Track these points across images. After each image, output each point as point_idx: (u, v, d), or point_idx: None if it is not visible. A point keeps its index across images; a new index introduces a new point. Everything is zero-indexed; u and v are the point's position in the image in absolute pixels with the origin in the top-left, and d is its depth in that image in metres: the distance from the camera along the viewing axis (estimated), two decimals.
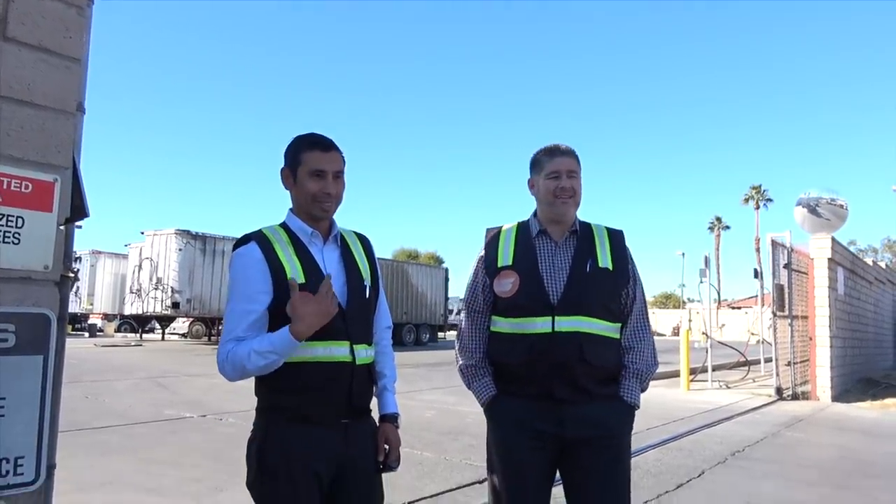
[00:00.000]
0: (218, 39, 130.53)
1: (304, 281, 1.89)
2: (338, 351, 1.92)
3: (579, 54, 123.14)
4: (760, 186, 64.16)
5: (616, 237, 2.39)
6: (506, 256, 2.33)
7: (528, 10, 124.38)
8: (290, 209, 2.05)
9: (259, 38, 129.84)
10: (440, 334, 29.74)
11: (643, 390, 2.32)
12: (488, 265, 2.36)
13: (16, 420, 1.51)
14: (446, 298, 29.91)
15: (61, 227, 1.66)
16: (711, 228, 67.81)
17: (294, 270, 1.91)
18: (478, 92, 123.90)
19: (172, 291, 21.91)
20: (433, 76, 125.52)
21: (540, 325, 2.19)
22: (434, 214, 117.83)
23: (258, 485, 1.88)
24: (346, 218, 2.11)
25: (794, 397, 10.99)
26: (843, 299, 12.50)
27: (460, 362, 2.41)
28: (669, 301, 65.44)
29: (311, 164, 1.96)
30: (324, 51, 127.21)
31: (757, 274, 15.81)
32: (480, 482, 5.00)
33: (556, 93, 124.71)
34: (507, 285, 2.27)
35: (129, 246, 24.67)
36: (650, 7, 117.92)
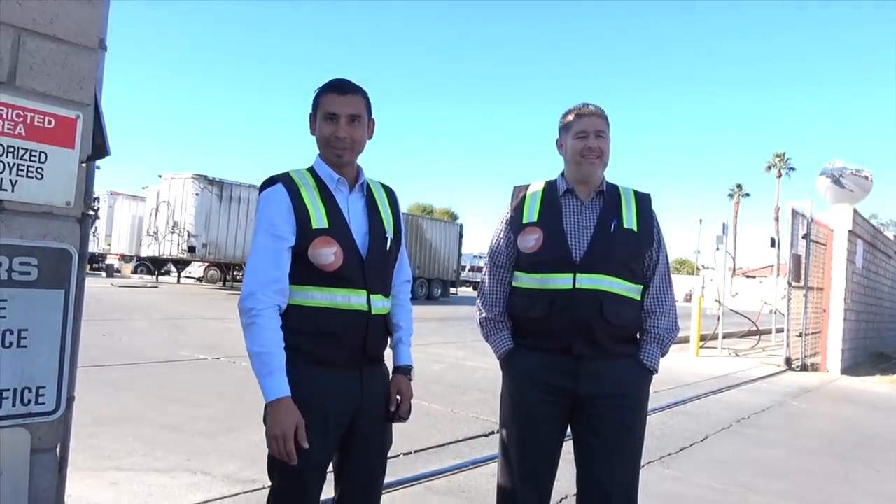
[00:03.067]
0: None
1: (326, 226, 1.90)
2: (355, 299, 1.93)
3: (607, 16, 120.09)
4: (784, 154, 63.14)
5: (643, 200, 2.37)
6: (531, 213, 2.33)
7: None
8: (318, 154, 2.04)
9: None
10: (452, 290, 29.86)
11: (663, 355, 2.33)
12: (514, 221, 2.36)
13: (38, 351, 1.55)
14: (459, 255, 29.94)
15: (83, 165, 1.67)
16: (731, 195, 67.03)
17: (318, 215, 1.91)
18: (503, 49, 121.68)
19: (189, 235, 22.10)
20: (459, 30, 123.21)
21: (561, 281, 2.20)
22: (451, 171, 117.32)
23: None
24: (366, 165, 2.10)
25: (804, 368, 11.00)
26: (860, 272, 12.37)
27: (481, 315, 2.43)
28: (683, 267, 65.13)
29: (325, 107, 1.96)
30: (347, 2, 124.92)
31: (774, 243, 15.62)
32: (486, 436, 5.10)
33: (581, 53, 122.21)
34: (530, 241, 2.27)
35: (147, 188, 24.81)
36: None
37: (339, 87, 1.97)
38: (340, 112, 1.95)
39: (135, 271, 30.72)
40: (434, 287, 27.70)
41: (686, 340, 12.88)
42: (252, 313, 1.83)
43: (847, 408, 7.85)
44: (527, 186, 2.43)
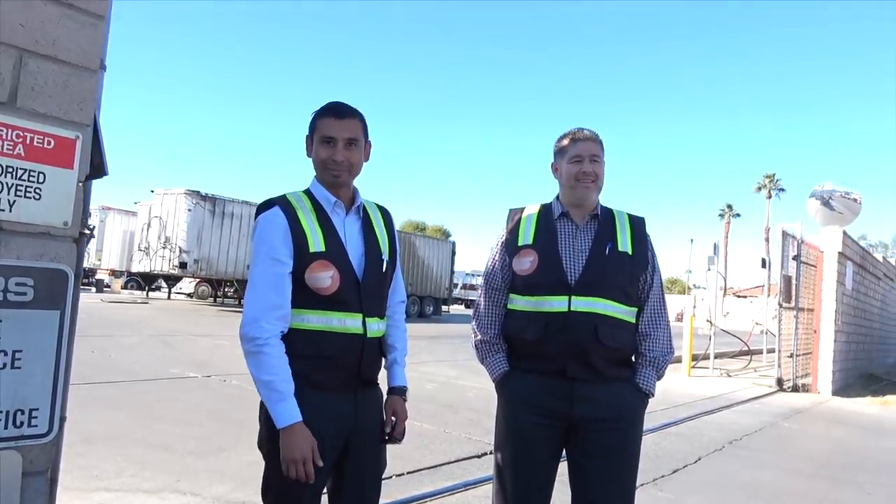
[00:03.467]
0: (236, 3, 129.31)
1: (323, 249, 1.91)
2: (351, 323, 1.94)
3: (595, 42, 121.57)
4: (774, 175, 63.50)
5: (637, 224, 2.39)
6: (527, 236, 2.35)
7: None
8: (315, 176, 2.05)
9: (281, 4, 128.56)
10: (444, 307, 29.82)
11: (659, 378, 2.34)
12: (509, 244, 2.38)
13: (32, 372, 1.53)
14: (452, 272, 29.95)
15: (80, 185, 1.66)
16: (721, 215, 67.32)
17: (316, 239, 1.92)
18: (500, 70, 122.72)
19: (180, 251, 22.00)
20: (453, 53, 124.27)
21: (556, 303, 2.21)
22: (443, 189, 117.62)
23: (268, 444, 1.90)
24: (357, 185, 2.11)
25: (795, 389, 11.01)
26: (850, 294, 12.44)
27: (477, 337, 2.44)
28: (675, 286, 65.29)
29: (322, 131, 1.97)
30: (344, 22, 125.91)
31: (765, 264, 15.72)
32: (479, 457, 5.07)
33: (576, 76, 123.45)
34: (525, 263, 2.29)
35: (139, 203, 24.72)
36: None
37: (336, 111, 1.99)
38: (338, 136, 1.96)
39: (125, 287, 30.53)
40: (426, 305, 27.67)
41: (678, 360, 12.87)
42: (258, 342, 1.83)
43: (838, 429, 7.86)
44: (522, 209, 2.45)
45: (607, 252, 2.27)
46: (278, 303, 1.87)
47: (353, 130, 1.99)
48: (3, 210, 1.49)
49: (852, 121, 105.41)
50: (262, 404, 1.95)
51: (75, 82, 1.61)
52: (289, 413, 1.80)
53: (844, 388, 11.68)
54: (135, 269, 25.21)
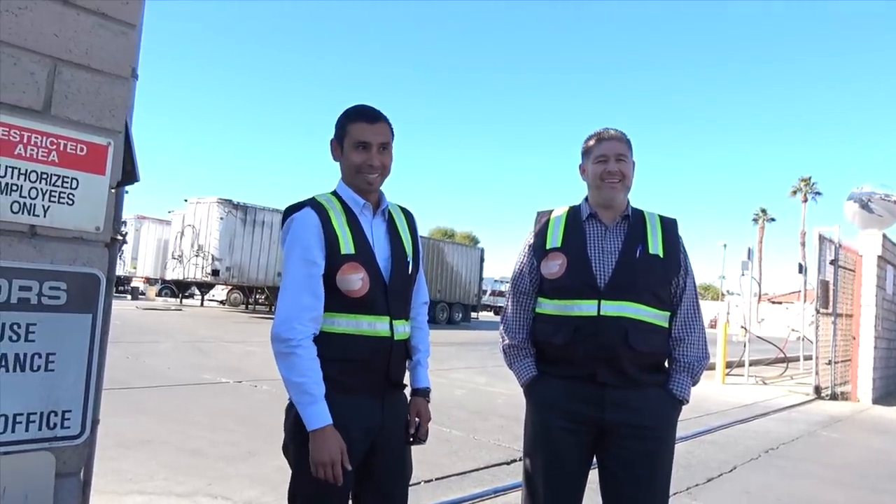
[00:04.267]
0: (268, 8, 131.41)
1: (353, 252, 1.91)
2: (379, 326, 1.94)
3: (627, 42, 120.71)
4: (810, 179, 62.26)
5: (669, 225, 2.35)
6: (555, 239, 2.32)
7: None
8: (341, 179, 2.06)
9: (311, 7, 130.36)
10: (473, 314, 29.76)
11: (694, 384, 2.28)
12: (537, 247, 2.35)
13: (65, 375, 1.56)
14: (481, 279, 29.88)
15: (112, 191, 1.69)
16: (756, 220, 66.18)
17: (346, 240, 1.92)
18: (525, 74, 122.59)
19: (213, 259, 22.34)
20: (484, 54, 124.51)
21: (586, 307, 2.18)
22: (472, 195, 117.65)
23: (294, 450, 1.91)
24: (386, 190, 2.12)
25: (833, 397, 10.73)
26: (890, 299, 12.09)
27: (504, 342, 2.42)
28: (708, 292, 64.27)
29: (356, 136, 1.97)
30: (375, 23, 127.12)
31: (801, 269, 15.37)
32: (509, 463, 5.03)
33: (604, 77, 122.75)
34: (554, 267, 2.25)
35: (172, 212, 25.19)
36: None
37: (368, 116, 2.00)
38: (372, 141, 1.97)
39: (159, 294, 31.09)
40: (455, 311, 27.63)
41: (712, 368, 12.64)
42: (291, 343, 1.83)
43: (879, 438, 7.63)
44: (550, 211, 2.42)
45: (638, 254, 2.23)
46: (312, 304, 1.87)
47: (385, 135, 2.01)
48: (38, 216, 1.52)
49: (891, 121, 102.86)
50: (286, 410, 1.97)
51: (107, 90, 1.64)
52: (320, 416, 1.81)
53: (886, 395, 11.34)
54: (169, 276, 25.66)
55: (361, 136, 1.97)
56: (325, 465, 1.78)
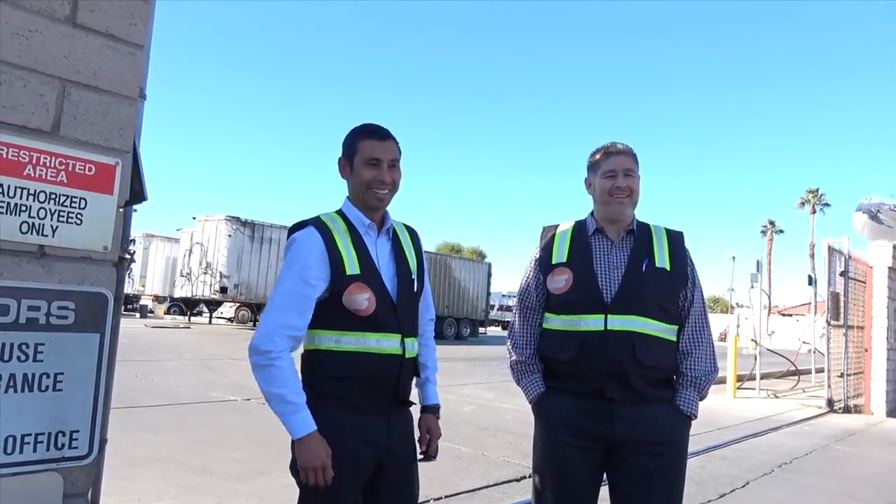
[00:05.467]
0: (270, 31, 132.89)
1: (359, 272, 1.92)
2: (389, 343, 1.94)
3: (633, 57, 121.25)
4: (818, 190, 62.11)
5: (675, 238, 2.34)
6: (560, 254, 2.31)
7: (590, 14, 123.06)
8: (347, 198, 2.07)
9: (312, 31, 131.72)
10: (481, 329, 29.67)
11: (702, 398, 2.26)
12: (543, 262, 2.34)
13: (73, 395, 1.56)
14: (488, 294, 29.83)
15: (120, 210, 1.70)
16: (764, 232, 65.95)
17: (351, 261, 1.93)
18: (532, 92, 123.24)
19: (221, 276, 22.41)
20: (488, 74, 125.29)
21: (592, 322, 2.16)
22: (479, 210, 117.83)
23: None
24: (391, 208, 2.12)
25: (846, 410, 10.61)
26: None
27: (512, 358, 2.40)
28: (717, 305, 63.86)
29: (367, 153, 1.98)
30: (382, 47, 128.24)
31: (811, 281, 15.25)
32: (518, 480, 4.98)
33: (610, 91, 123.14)
34: (560, 282, 2.25)
35: (181, 230, 25.31)
36: (708, 7, 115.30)
37: (378, 133, 2.02)
38: (383, 157, 1.99)
39: (168, 312, 31.15)
40: (463, 326, 27.56)
41: (722, 381, 12.52)
42: (271, 355, 1.83)
43: (894, 452, 7.52)
44: (556, 226, 2.42)
45: (644, 268, 2.22)
46: (297, 324, 1.88)
47: (394, 152, 2.03)
48: (47, 235, 1.53)
49: None
50: None
51: (115, 110, 1.66)
52: (305, 423, 1.80)
53: None
54: (177, 294, 25.73)
55: (372, 153, 1.98)
56: (316, 469, 1.78)
